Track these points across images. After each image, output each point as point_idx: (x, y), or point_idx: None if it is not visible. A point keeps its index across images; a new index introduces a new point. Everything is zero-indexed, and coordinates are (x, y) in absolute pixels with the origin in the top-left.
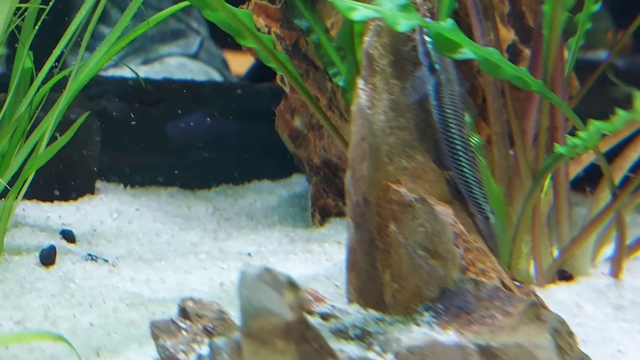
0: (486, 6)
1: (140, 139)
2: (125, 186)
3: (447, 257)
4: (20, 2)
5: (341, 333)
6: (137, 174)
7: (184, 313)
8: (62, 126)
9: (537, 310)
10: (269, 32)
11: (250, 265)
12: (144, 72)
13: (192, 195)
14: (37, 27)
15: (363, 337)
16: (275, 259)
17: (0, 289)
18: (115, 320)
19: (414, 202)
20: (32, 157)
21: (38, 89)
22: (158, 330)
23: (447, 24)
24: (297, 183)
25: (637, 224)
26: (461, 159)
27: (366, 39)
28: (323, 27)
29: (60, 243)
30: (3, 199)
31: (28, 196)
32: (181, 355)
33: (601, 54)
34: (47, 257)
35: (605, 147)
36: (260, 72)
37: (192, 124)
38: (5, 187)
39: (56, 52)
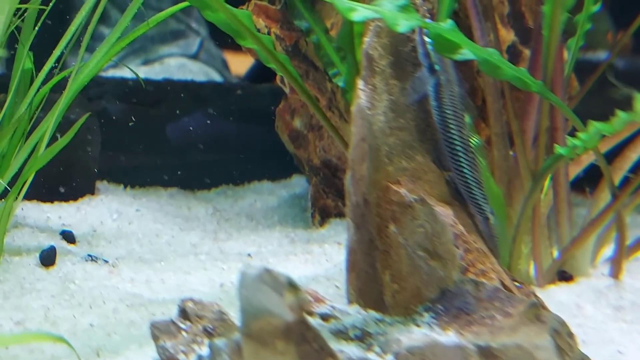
0: (486, 7)
1: (140, 139)
2: (126, 187)
3: (447, 258)
4: (20, 3)
5: (341, 334)
6: (137, 174)
7: (184, 314)
8: (62, 127)
9: (537, 311)
10: (268, 33)
11: (251, 266)
12: (144, 72)
13: (192, 196)
14: (37, 28)
15: (363, 337)
16: (275, 259)
17: (0, 290)
18: (115, 321)
19: (414, 203)
20: (32, 158)
21: (38, 90)
22: (158, 331)
23: (446, 25)
24: (297, 184)
25: (636, 224)
26: (461, 159)
27: (366, 39)
28: (323, 28)
29: (60, 244)
30: (3, 200)
31: (28, 197)
32: (181, 356)
33: (601, 55)
34: (47, 258)
35: (605, 147)
36: (260, 73)
37: (192, 124)
38: (6, 187)
39: (56, 52)
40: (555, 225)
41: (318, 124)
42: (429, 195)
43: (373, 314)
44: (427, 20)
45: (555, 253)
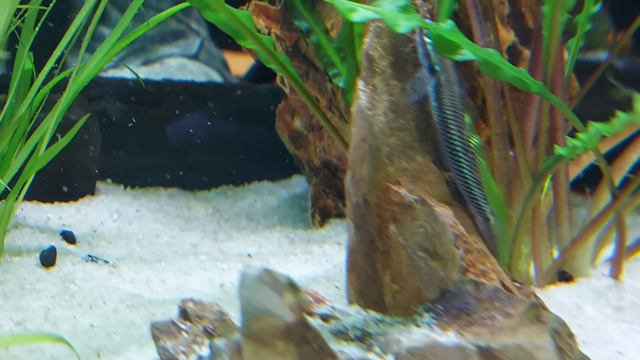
0: (486, 7)
1: (140, 139)
2: (126, 187)
3: (447, 258)
4: (20, 3)
5: (341, 334)
6: (138, 175)
7: (184, 314)
8: (62, 127)
9: (537, 312)
10: (269, 33)
11: (251, 267)
12: (144, 73)
13: (192, 196)
14: (37, 28)
15: (363, 338)
16: (275, 260)
17: (0, 290)
18: (116, 322)
19: (414, 203)
20: (32, 159)
21: (38, 90)
22: (158, 331)
23: (447, 25)
24: (297, 184)
25: (637, 225)
26: (461, 160)
27: (366, 40)
28: (323, 28)
29: (60, 244)
30: (3, 200)
31: (28, 197)
32: (181, 357)
33: (601, 55)
34: (48, 258)
35: (605, 148)
36: (260, 73)
37: (192, 124)
38: (6, 188)
39: (56, 53)
40: (555, 225)
41: (318, 124)
42: (429, 195)
43: (373, 314)
44: (428, 20)
45: (556, 253)
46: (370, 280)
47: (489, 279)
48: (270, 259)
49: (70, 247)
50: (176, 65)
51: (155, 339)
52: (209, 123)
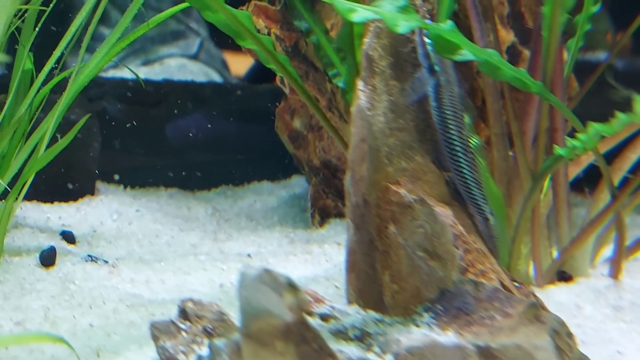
0: (486, 8)
1: (140, 140)
2: (125, 187)
3: (446, 258)
4: (20, 4)
5: (341, 334)
6: (137, 175)
7: (183, 314)
8: (62, 127)
9: (536, 311)
10: (268, 34)
11: (250, 267)
12: (144, 73)
13: (191, 196)
14: (37, 29)
15: (362, 338)
16: (274, 260)
17: (0, 290)
18: (115, 322)
19: (414, 203)
20: (32, 159)
21: (38, 90)
22: (158, 331)
23: (446, 26)
24: (297, 184)
25: (636, 224)
26: (460, 160)
27: (366, 40)
28: (323, 29)
29: (60, 244)
30: (3, 200)
31: (28, 197)
32: (181, 356)
33: (600, 55)
34: (47, 258)
35: (604, 148)
36: (260, 73)
37: (191, 125)
38: (6, 188)
39: (56, 53)
40: (554, 225)
41: (318, 124)
42: (428, 195)
43: (372, 314)
44: (427, 21)
45: (555, 253)
46: (369, 280)
47: (488, 279)
48: (269, 258)
49: (70, 247)
50: (176, 66)
51: (155, 338)
52: (208, 123)
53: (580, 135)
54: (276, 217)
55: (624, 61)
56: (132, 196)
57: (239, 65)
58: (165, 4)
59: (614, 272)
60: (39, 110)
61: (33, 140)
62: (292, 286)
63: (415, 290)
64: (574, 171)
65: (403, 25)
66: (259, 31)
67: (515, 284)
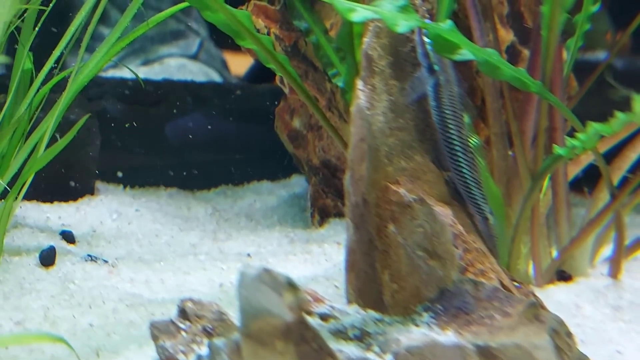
0: (485, 7)
1: (139, 139)
2: (125, 187)
3: (446, 258)
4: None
5: (340, 333)
6: (137, 174)
7: (183, 314)
8: (61, 127)
9: (535, 311)
10: (268, 33)
11: (250, 266)
12: (144, 73)
13: (191, 196)
14: (37, 28)
15: (362, 337)
16: (274, 259)
17: (0, 290)
18: (115, 321)
19: (413, 203)
20: (31, 159)
21: (38, 90)
22: (157, 330)
23: (446, 25)
24: (297, 184)
25: (635, 224)
26: (460, 159)
27: (365, 40)
28: (322, 28)
29: (60, 244)
30: (3, 200)
31: (28, 197)
32: (180, 356)
33: (600, 55)
34: (47, 258)
35: (603, 147)
36: (260, 73)
37: (191, 124)
38: (5, 188)
39: (56, 53)
40: (554, 225)
41: (317, 124)
42: (428, 195)
43: (372, 313)
44: (427, 20)
45: (554, 253)
46: (369, 280)
47: (487, 279)
48: (269, 258)
49: (70, 246)
50: (176, 65)
51: (155, 338)
52: (208, 123)
53: (579, 135)
54: (276, 217)
55: (624, 61)
56: (131, 196)
57: (239, 65)
58: (165, 3)
59: (614, 271)
60: (39, 110)
61: (33, 140)
62: (291, 286)
63: (415, 289)
64: (574, 171)
65: (402, 24)
66: (258, 31)
67: (515, 283)
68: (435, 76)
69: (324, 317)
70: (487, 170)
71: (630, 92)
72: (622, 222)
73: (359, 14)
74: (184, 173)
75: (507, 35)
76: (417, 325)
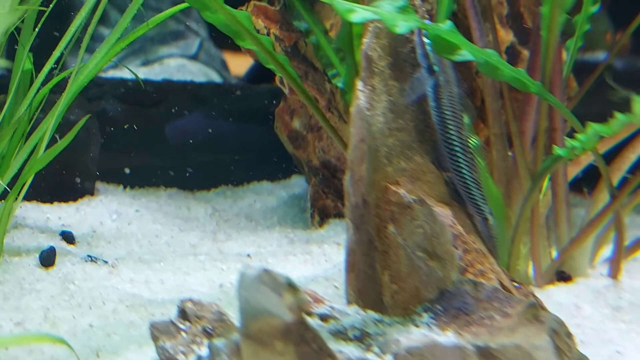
0: (485, 8)
1: (139, 140)
2: (125, 187)
3: (445, 259)
4: (20, 4)
5: (340, 334)
6: (137, 175)
7: (183, 314)
8: (61, 127)
9: (535, 311)
10: (268, 34)
11: (250, 267)
12: (144, 73)
13: (191, 196)
14: (37, 29)
15: (362, 338)
16: (274, 260)
17: (0, 290)
18: (115, 322)
19: (413, 204)
20: (31, 159)
21: (38, 91)
22: (157, 331)
23: (445, 26)
24: (297, 184)
25: (635, 225)
26: (460, 160)
27: (365, 40)
28: (322, 29)
29: (59, 244)
30: (3, 201)
31: (28, 197)
32: (180, 357)
33: (600, 56)
34: (47, 259)
35: (603, 148)
36: (260, 74)
37: (191, 125)
38: (5, 188)
39: (56, 53)
40: (554, 225)
41: (317, 124)
42: (427, 195)
43: (372, 314)
44: (426, 21)
45: (554, 253)
46: (369, 280)
47: (487, 279)
48: (269, 259)
49: (70, 247)
50: (175, 66)
51: (155, 339)
52: (208, 123)
53: (579, 136)
54: (276, 218)
55: (623, 61)
56: (131, 196)
57: (239, 65)
58: (164, 4)
59: (613, 272)
60: (39, 111)
61: (33, 141)
62: (291, 286)
63: (415, 290)
64: (573, 171)
65: (402, 25)
66: (258, 31)
67: (515, 284)
68: (435, 77)
69: (323, 317)
70: (486, 171)
71: (630, 92)
72: (622, 222)
73: (359, 14)
74: (184, 173)
75: (506, 36)
76: (417, 326)
